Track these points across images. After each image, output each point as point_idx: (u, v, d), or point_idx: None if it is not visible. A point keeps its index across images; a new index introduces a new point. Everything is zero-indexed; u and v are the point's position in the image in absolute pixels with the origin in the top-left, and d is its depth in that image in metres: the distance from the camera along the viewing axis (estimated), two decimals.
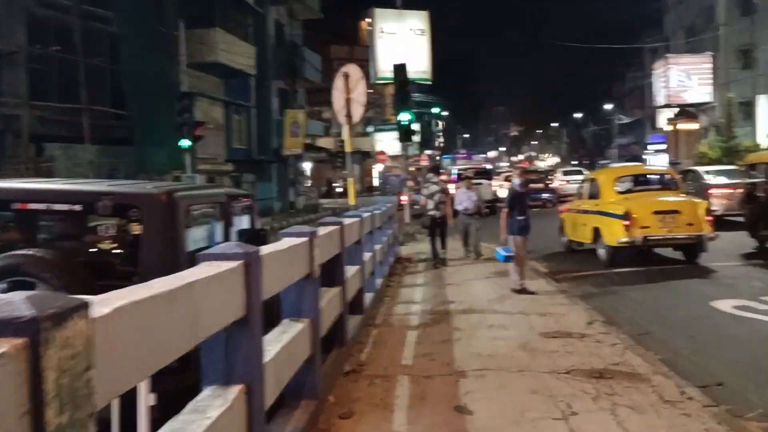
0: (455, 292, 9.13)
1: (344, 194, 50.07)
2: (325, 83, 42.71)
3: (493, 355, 5.58)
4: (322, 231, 4.75)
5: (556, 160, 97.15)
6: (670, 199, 11.32)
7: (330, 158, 48.91)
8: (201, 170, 22.65)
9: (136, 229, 4.00)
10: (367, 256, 7.52)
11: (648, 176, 13.34)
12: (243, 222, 5.74)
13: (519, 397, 4.50)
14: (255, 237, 5.56)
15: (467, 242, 12.64)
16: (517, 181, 8.94)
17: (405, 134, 16.42)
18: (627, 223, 10.46)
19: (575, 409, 4.25)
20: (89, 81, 17.84)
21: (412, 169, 50.96)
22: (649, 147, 61.65)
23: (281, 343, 3.34)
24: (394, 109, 18.81)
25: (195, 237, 4.67)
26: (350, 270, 6.24)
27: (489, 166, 31.11)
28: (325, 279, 5.30)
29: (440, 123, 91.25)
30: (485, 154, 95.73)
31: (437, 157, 77.18)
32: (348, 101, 9.62)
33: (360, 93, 9.70)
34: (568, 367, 5.23)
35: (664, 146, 57.10)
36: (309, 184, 36.88)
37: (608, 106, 73.18)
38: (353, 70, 9.68)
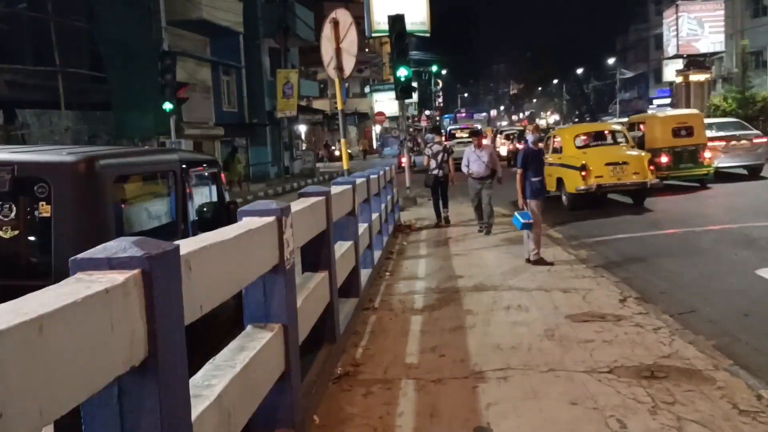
0: (463, 263, 8.14)
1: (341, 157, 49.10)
2: (319, 41, 41.16)
3: (515, 348, 4.61)
4: (299, 205, 3.73)
5: (556, 117, 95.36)
6: (620, 152, 13.24)
7: (327, 120, 47.66)
8: (189, 135, 21.51)
9: (45, 210, 2.97)
10: (362, 228, 6.52)
11: (603, 132, 15.04)
12: (207, 194, 4.71)
13: (555, 412, 3.53)
14: (221, 213, 4.55)
15: (480, 212, 10.57)
16: (530, 137, 7.87)
17: (403, 91, 15.21)
18: (584, 173, 12.41)
19: (631, 429, 3.28)
20: (64, 42, 16.54)
21: (411, 129, 49.74)
22: (653, 102, 60.23)
23: (234, 370, 2.35)
24: (391, 67, 17.59)
25: (134, 216, 3.64)
26: (341, 248, 5.24)
27: (479, 126, 30.12)
28: (307, 263, 4.33)
29: (439, 82, 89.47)
30: (487, 113, 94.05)
31: (437, 117, 75.72)
32: (338, 51, 8.49)
33: (351, 42, 8.55)
34: (609, 362, 4.27)
35: (668, 100, 55.76)
36: (305, 148, 35.67)
37: (611, 61, 71.23)
38: (342, 15, 8.52)
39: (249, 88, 28.20)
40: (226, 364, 2.40)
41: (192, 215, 4.15)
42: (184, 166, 4.06)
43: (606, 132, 15.00)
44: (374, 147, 53.57)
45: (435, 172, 11.82)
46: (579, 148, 13.51)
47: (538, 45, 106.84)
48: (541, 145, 8.88)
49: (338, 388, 3.98)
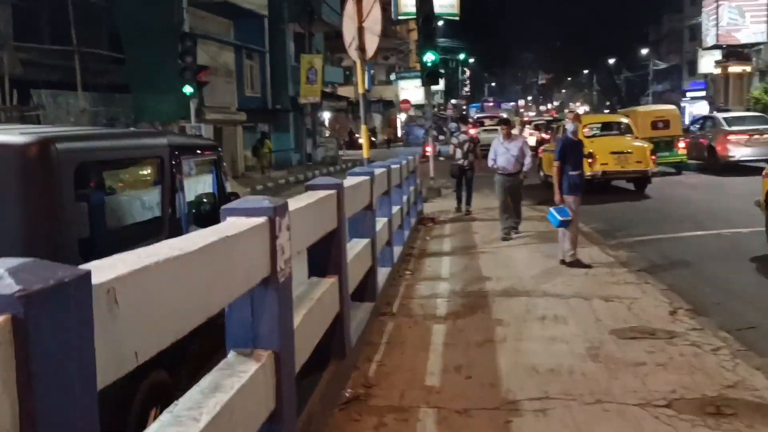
0: (490, 263, 7.49)
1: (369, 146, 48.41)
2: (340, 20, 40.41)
3: (554, 371, 3.97)
4: (303, 200, 3.13)
5: (586, 108, 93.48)
6: (625, 142, 14.16)
7: (352, 108, 47.03)
8: (210, 120, 21.06)
9: None
10: (381, 223, 5.91)
11: (611, 123, 15.90)
12: (204, 184, 4.14)
13: None
14: (224, 203, 3.97)
15: (507, 215, 9.02)
16: (570, 126, 7.16)
17: (429, 77, 14.54)
18: (590, 160, 12.79)
19: None
20: (82, 21, 16.15)
21: (437, 118, 48.92)
22: (687, 94, 58.54)
23: (197, 426, 1.76)
24: (418, 53, 16.90)
25: (107, 211, 3.07)
26: (355, 247, 4.64)
27: (504, 115, 30.90)
28: (313, 265, 3.74)
29: (466, 71, 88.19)
30: (515, 102, 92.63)
31: (464, 107, 74.66)
32: (360, 30, 7.85)
33: (374, 20, 7.90)
34: (666, 393, 3.61)
35: (703, 93, 54.02)
36: (328, 135, 35.11)
37: (643, 51, 69.37)
38: None
39: (273, 73, 27.66)
40: (189, 415, 1.82)
41: (183, 209, 3.57)
42: (174, 152, 3.48)
43: (613, 123, 15.83)
44: (399, 135, 52.82)
45: (460, 162, 11.80)
46: (587, 137, 13.70)
47: (568, 33, 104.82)
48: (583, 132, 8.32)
49: (345, 416, 3.39)
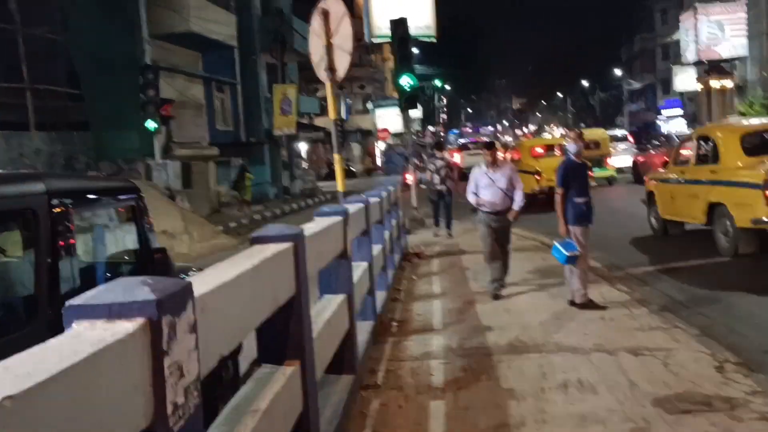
0: (488, 308, 6.50)
1: (348, 176, 47.58)
2: None
3: None
4: (236, 267, 2.11)
5: (561, 131, 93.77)
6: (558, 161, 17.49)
7: (329, 138, 46.24)
8: (179, 156, 20.01)
9: None
10: (359, 270, 4.91)
11: (553, 145, 18.80)
12: (116, 241, 3.12)
13: None
14: (141, 266, 2.96)
15: (496, 264, 6.94)
16: (572, 147, 6.25)
17: (408, 101, 13.68)
18: (538, 177, 16.08)
19: None
20: (34, 56, 15.13)
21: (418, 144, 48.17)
22: (662, 112, 58.76)
23: None
24: (394, 76, 16.11)
25: None
26: (325, 310, 3.63)
27: (486, 139, 33.65)
28: (265, 351, 2.73)
29: (443, 98, 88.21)
30: (494, 126, 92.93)
31: (441, 133, 74.35)
32: (329, 48, 6.94)
33: (344, 37, 6.98)
34: None
35: (679, 111, 54.16)
36: (306, 167, 34.15)
37: (617, 72, 69.85)
38: (334, 5, 6.98)
39: (245, 105, 26.74)
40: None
41: (75, 281, 2.53)
42: (58, 201, 2.46)
43: (555, 145, 18.67)
44: (378, 164, 52.05)
45: (438, 187, 12.21)
46: (534, 157, 17.57)
47: (540, 58, 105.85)
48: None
49: None
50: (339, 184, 7.82)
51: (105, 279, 2.84)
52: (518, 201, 6.86)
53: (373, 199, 6.43)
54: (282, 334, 2.69)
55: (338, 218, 4.07)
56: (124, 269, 2.96)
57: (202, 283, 1.76)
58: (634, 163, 21.43)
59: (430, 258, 10.09)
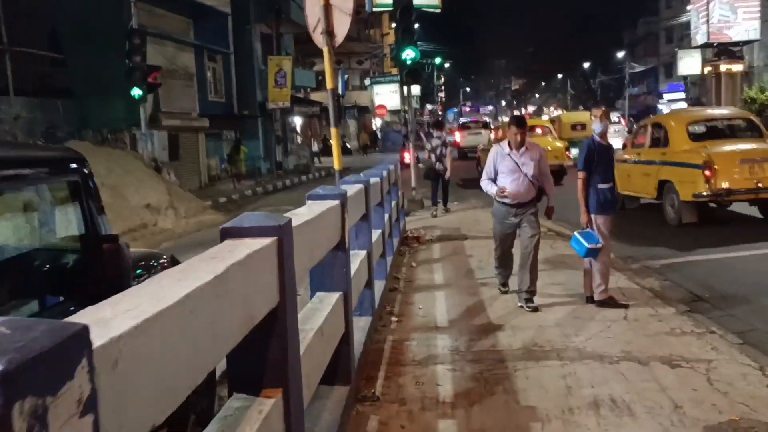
0: (498, 302, 5.88)
1: (343, 152, 46.59)
2: None
3: None
4: (193, 276, 1.45)
5: (560, 113, 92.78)
6: (545, 141, 16.21)
7: (326, 114, 45.35)
8: (167, 126, 19.23)
9: None
10: (357, 261, 4.29)
11: (534, 126, 18.44)
12: (61, 223, 2.46)
13: None
14: (90, 257, 2.31)
15: (505, 266, 6.12)
16: (597, 126, 5.59)
17: (409, 75, 12.94)
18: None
19: None
20: (12, 16, 14.25)
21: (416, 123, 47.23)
22: (664, 97, 58.05)
23: None
24: (394, 50, 15.36)
25: None
26: (317, 314, 3.00)
27: (487, 119, 38.39)
28: (235, 380, 2.09)
29: (442, 77, 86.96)
30: (494, 106, 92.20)
31: (439, 112, 73.39)
32: (327, 9, 6.22)
33: None
34: None
35: (681, 95, 53.41)
36: (300, 142, 33.33)
37: (619, 54, 68.85)
38: None
39: (238, 76, 25.86)
40: None
41: None
42: None
43: (536, 126, 18.89)
44: (375, 141, 51.19)
45: (436, 166, 12.31)
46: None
47: (542, 39, 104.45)
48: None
49: None
50: (336, 161, 7.14)
51: (33, 275, 2.19)
52: (551, 192, 5.82)
53: (374, 179, 5.78)
54: (259, 357, 2.05)
55: (335, 202, 3.41)
56: (60, 262, 2.32)
57: (122, 314, 1.11)
58: (624, 145, 20.87)
59: (431, 242, 9.46)
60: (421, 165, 14.55)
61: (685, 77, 47.24)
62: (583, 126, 20.33)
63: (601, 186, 5.49)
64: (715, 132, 10.22)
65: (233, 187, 20.25)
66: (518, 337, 4.78)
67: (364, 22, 52.68)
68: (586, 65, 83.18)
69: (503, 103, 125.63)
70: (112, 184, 13.29)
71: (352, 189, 4.38)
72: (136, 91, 15.16)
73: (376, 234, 5.72)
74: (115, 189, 13.14)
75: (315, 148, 37.91)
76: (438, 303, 5.96)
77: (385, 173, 7.13)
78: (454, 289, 6.51)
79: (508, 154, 5.69)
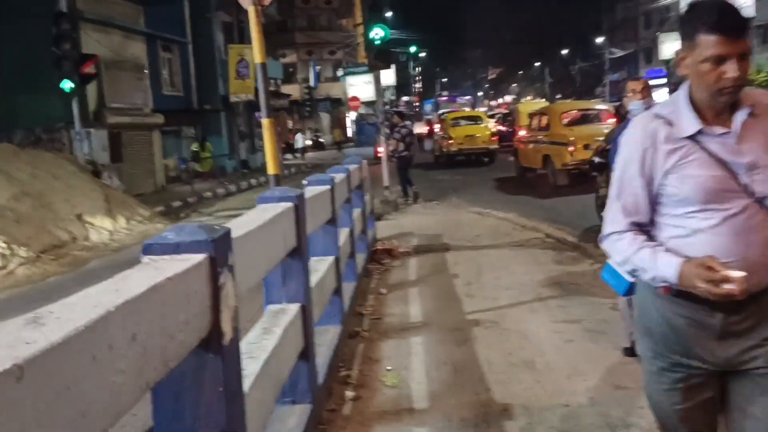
0: (499, 353, 4.19)
1: (316, 147, 44.72)
2: (283, 16, 36.72)
3: None
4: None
5: (539, 101, 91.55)
6: (474, 127, 21.22)
7: (297, 108, 43.49)
8: (114, 124, 17.30)
9: None
10: (287, 319, 2.56)
11: (470, 116, 23.38)
12: None
13: None
14: None
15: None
16: (636, 105, 3.90)
17: (378, 57, 11.26)
18: (450, 141, 20.67)
19: None
20: None
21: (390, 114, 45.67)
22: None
23: None
24: (364, 33, 13.70)
25: None
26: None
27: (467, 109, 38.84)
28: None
29: (418, 68, 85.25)
30: (472, 95, 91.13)
31: (416, 103, 71.74)
32: None
33: None
34: None
35: (663, 80, 52.28)
36: None
37: (598, 40, 67.65)
38: None
39: (198, 68, 23.93)
40: None
41: None
42: None
43: (475, 116, 23.11)
44: (349, 135, 49.35)
45: (405, 154, 12.71)
46: (452, 127, 21.27)
47: (518, 27, 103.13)
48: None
49: None
50: (270, 163, 5.37)
51: None
52: None
53: (317, 189, 4.08)
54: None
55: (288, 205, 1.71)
56: None
57: None
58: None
59: (406, 256, 7.77)
60: (394, 158, 13.03)
61: (667, 61, 46.12)
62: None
63: None
64: (582, 119, 13.41)
65: (191, 189, 18.37)
66: (541, 428, 3.10)
67: (335, 11, 50.77)
68: (565, 52, 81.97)
69: (480, 93, 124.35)
70: (37, 192, 11.41)
71: (268, 212, 2.69)
72: (67, 84, 13.24)
73: (325, 266, 4.02)
74: (39, 198, 11.27)
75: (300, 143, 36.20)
76: (415, 360, 4.24)
77: (340, 177, 5.42)
78: (437, 332, 4.80)
79: (698, 139, 1.72)
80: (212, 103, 24.60)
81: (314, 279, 3.47)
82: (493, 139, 20.33)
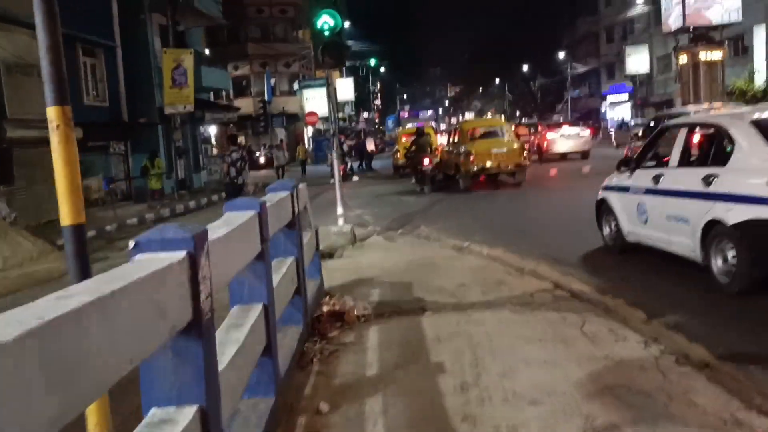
0: None
1: (269, 164, 42.05)
2: (229, 21, 34.11)
3: None
4: None
5: (494, 118, 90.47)
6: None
7: (251, 123, 40.97)
8: (18, 138, 14.49)
9: None
10: None
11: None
12: None
13: None
14: None
15: None
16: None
17: (328, 50, 8.87)
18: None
19: None
20: None
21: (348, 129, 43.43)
22: (607, 98, 56.33)
23: None
24: (311, 20, 11.46)
25: None
26: None
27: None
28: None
29: (378, 84, 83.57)
30: (434, 110, 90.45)
31: (375, 120, 69.67)
32: None
33: None
34: None
35: (625, 97, 51.37)
36: (216, 154, 28.68)
37: (560, 55, 66.86)
38: None
39: (130, 76, 21.19)
40: None
41: None
42: None
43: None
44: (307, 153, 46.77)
45: (236, 179, 13.00)
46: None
47: (477, 44, 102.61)
48: None
49: None
50: (64, 213, 2.95)
51: None
52: None
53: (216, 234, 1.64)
54: None
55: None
56: None
57: None
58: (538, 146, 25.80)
59: (364, 322, 5.33)
60: (356, 178, 10.70)
61: (633, 76, 45.10)
62: (488, 134, 17.60)
63: None
64: (485, 134, 17.31)
65: (113, 213, 15.61)
66: None
67: (291, 21, 48.45)
68: (525, 69, 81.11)
69: (440, 110, 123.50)
70: None
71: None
72: None
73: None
74: None
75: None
76: None
77: (247, 216, 2.97)
78: None
79: None
80: (148, 116, 21.85)
81: None
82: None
